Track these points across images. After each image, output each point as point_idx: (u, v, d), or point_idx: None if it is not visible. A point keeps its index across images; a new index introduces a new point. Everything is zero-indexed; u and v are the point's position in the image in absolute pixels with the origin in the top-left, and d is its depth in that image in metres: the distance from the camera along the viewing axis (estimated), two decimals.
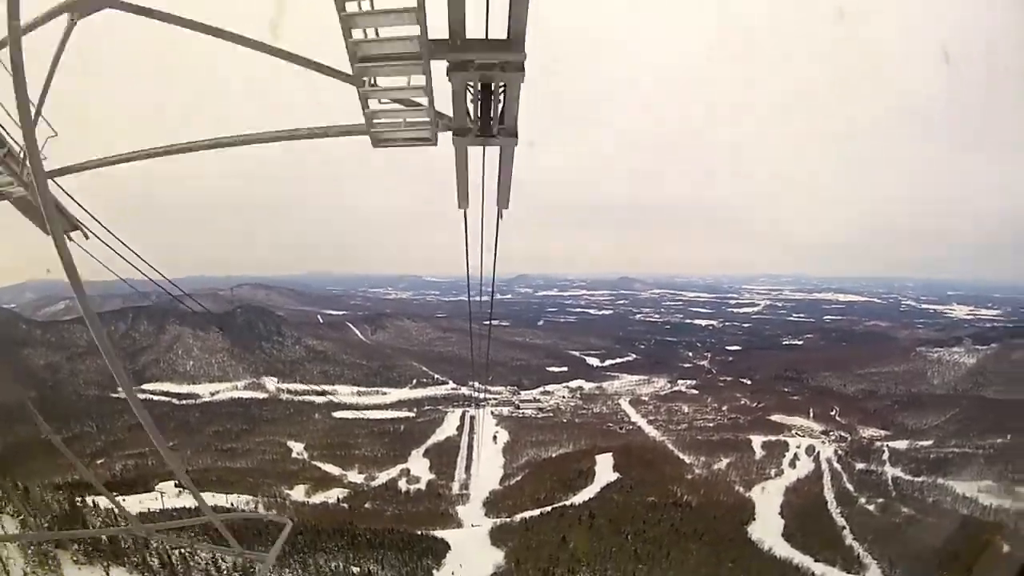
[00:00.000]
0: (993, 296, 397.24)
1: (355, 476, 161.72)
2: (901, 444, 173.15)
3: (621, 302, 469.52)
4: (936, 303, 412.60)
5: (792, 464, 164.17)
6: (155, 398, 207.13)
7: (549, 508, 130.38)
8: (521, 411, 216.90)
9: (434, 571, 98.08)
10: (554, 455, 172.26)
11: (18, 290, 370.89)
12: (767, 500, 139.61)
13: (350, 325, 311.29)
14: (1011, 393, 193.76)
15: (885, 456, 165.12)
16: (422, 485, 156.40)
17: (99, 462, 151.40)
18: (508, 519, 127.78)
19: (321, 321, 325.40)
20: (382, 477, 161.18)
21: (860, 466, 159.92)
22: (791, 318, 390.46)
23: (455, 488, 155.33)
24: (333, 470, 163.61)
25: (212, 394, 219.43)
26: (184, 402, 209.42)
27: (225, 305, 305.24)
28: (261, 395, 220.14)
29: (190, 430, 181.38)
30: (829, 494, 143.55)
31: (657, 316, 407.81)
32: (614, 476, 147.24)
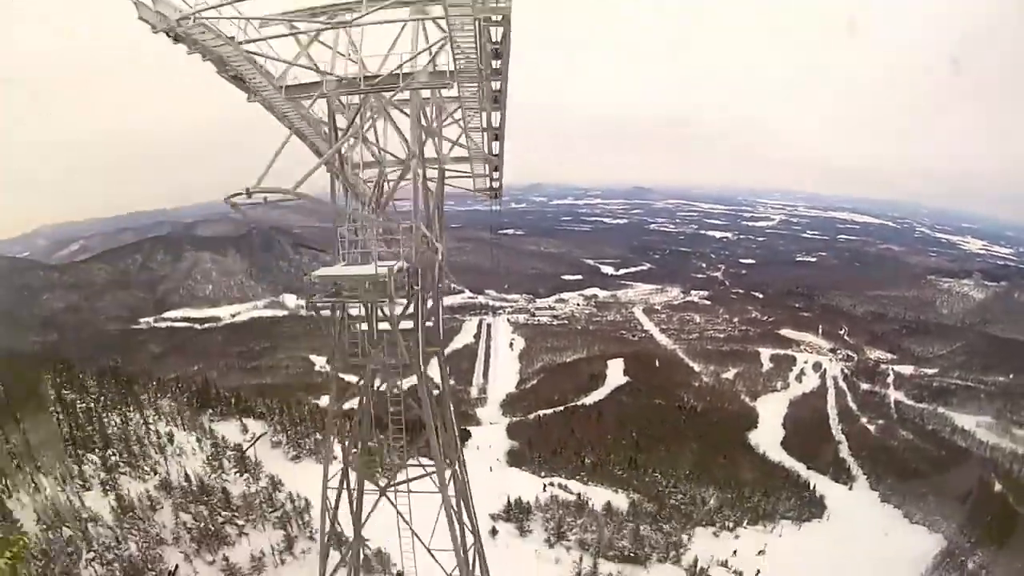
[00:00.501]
0: (1006, 234, 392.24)
1: (377, 383, 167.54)
2: (906, 369, 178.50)
3: (636, 211, 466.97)
4: (950, 233, 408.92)
5: (799, 379, 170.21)
6: (177, 325, 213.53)
7: (561, 407, 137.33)
8: (536, 318, 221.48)
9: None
10: (568, 360, 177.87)
11: (30, 239, 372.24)
12: (771, 410, 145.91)
13: None
14: (1017, 332, 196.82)
15: (890, 379, 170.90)
16: None
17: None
18: (523, 417, 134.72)
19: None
20: (403, 384, 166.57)
21: (864, 386, 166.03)
22: (805, 235, 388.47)
23: (473, 392, 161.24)
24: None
25: (233, 316, 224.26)
26: (206, 326, 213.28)
27: (240, 227, 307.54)
28: (281, 313, 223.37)
29: (214, 353, 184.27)
30: (832, 411, 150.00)
31: (672, 226, 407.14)
32: (624, 380, 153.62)
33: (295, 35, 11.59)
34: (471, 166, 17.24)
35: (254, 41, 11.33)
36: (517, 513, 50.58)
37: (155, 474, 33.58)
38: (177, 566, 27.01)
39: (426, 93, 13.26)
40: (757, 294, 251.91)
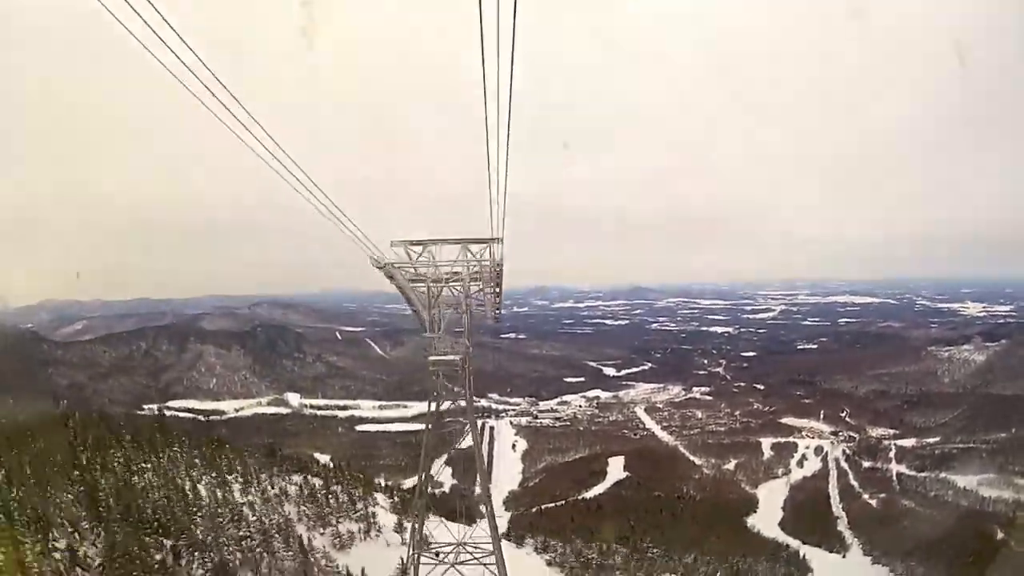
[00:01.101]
0: (1006, 292, 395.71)
1: (382, 482, 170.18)
2: (908, 442, 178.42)
3: (637, 311, 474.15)
4: (950, 301, 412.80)
5: (800, 464, 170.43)
6: (181, 415, 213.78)
7: (563, 501, 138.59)
8: (539, 420, 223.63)
9: None
10: (570, 460, 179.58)
11: (34, 311, 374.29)
12: (771, 496, 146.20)
13: (369, 341, 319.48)
14: (1018, 388, 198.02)
15: (891, 454, 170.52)
16: (447, 489, 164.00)
17: None
18: (526, 510, 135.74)
19: (339, 337, 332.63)
20: (408, 483, 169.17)
21: (866, 464, 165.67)
22: (806, 322, 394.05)
23: (477, 490, 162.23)
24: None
25: (237, 410, 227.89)
26: (211, 418, 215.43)
27: (244, 324, 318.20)
28: (285, 410, 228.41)
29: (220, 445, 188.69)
30: (833, 490, 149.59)
31: (673, 325, 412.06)
32: (624, 475, 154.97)
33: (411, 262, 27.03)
34: (487, 308, 32.45)
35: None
36: None
37: None
38: None
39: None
40: (759, 385, 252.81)
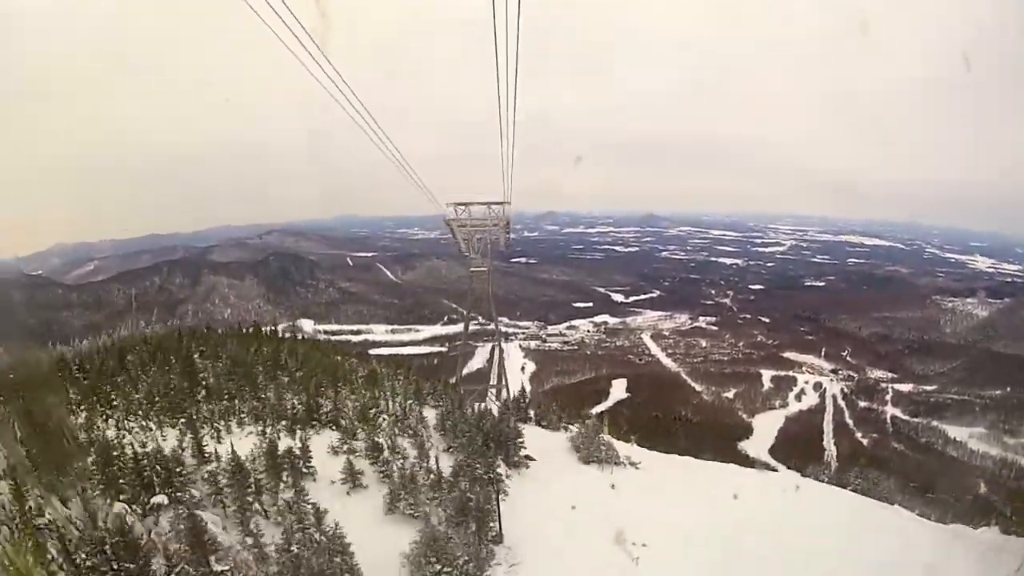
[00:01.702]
0: (1016, 251, 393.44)
1: None
2: (905, 387, 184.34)
3: (647, 239, 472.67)
4: (959, 252, 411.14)
5: (798, 397, 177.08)
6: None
7: None
8: (547, 344, 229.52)
9: None
10: (575, 381, 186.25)
11: (44, 256, 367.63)
12: (766, 425, 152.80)
13: (380, 266, 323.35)
14: (1019, 348, 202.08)
15: (888, 397, 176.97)
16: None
17: None
18: None
19: (351, 263, 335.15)
20: None
21: (863, 404, 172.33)
22: (815, 259, 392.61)
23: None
24: None
25: None
26: None
27: (255, 254, 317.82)
28: (298, 336, 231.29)
29: None
30: (827, 426, 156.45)
31: (683, 254, 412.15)
32: (626, 395, 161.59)
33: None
34: (501, 241, 50.17)
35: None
36: None
37: None
38: None
39: None
40: (764, 319, 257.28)
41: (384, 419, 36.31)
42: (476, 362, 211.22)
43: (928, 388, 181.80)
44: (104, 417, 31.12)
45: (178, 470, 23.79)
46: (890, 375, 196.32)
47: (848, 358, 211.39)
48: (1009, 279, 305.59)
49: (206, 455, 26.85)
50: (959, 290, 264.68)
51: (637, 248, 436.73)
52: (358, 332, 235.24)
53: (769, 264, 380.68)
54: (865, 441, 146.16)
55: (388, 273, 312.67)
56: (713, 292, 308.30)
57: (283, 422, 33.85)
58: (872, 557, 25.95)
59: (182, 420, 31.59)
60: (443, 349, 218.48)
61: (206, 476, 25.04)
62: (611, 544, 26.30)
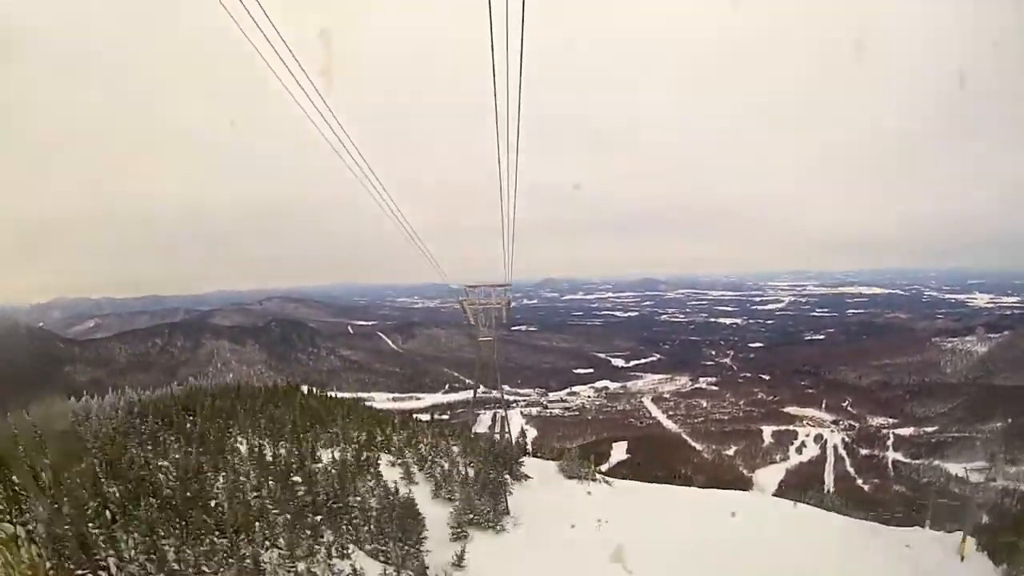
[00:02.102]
0: (1014, 283, 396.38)
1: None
2: (906, 431, 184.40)
3: (646, 303, 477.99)
4: (958, 292, 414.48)
5: (799, 450, 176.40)
6: None
7: None
8: (548, 411, 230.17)
9: None
10: (577, 445, 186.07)
11: (44, 309, 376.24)
12: (767, 478, 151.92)
13: (381, 334, 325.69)
14: (1018, 379, 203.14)
15: (889, 442, 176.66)
16: None
17: None
18: None
19: (351, 332, 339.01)
20: None
21: (864, 451, 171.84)
22: (814, 313, 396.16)
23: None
24: None
25: None
26: None
27: (256, 319, 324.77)
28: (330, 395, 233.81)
29: None
30: (828, 475, 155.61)
31: (682, 316, 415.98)
32: (626, 456, 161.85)
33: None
34: (503, 315, 55.06)
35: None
36: None
37: None
38: None
39: None
40: (764, 376, 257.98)
41: (423, 445, 48.75)
42: (480, 428, 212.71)
43: (929, 430, 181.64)
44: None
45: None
46: (891, 421, 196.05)
47: (849, 408, 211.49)
48: (1008, 312, 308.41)
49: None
50: (958, 329, 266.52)
51: (636, 312, 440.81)
52: (360, 400, 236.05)
53: (769, 321, 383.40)
54: (866, 487, 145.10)
55: (389, 341, 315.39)
56: (713, 352, 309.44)
57: (353, 446, 44.27)
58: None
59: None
60: (445, 417, 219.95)
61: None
62: (581, 523, 40.03)
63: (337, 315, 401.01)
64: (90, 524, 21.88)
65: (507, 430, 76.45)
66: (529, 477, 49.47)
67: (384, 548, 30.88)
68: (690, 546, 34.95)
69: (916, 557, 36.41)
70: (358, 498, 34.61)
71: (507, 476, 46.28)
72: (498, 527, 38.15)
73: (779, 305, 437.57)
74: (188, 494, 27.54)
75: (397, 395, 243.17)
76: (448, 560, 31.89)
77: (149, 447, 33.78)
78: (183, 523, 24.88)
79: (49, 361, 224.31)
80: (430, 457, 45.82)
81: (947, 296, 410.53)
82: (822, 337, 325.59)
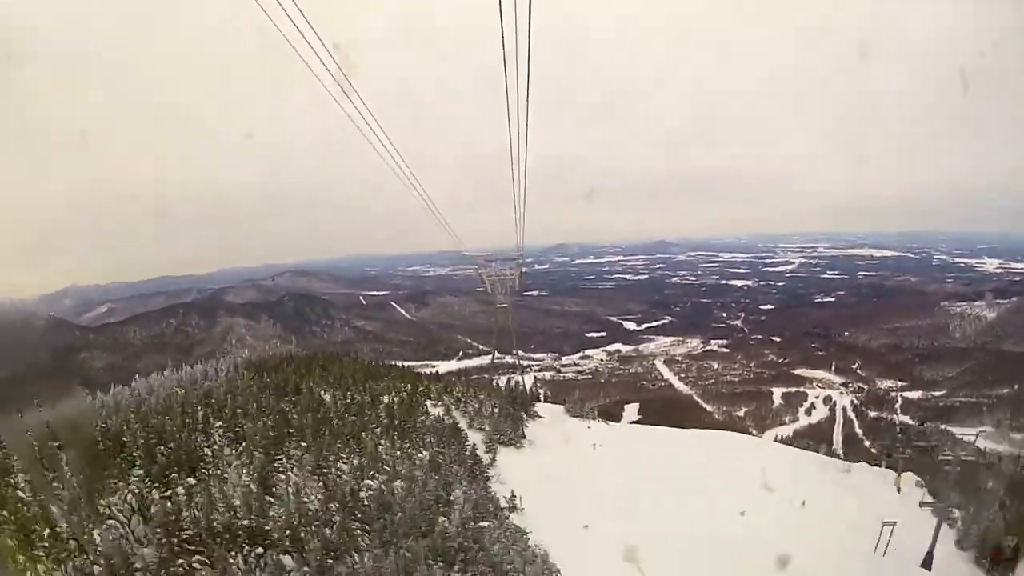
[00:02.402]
0: None
1: None
2: (915, 394, 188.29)
3: (658, 266, 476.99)
4: (968, 256, 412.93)
5: (808, 412, 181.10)
6: None
7: None
8: (562, 374, 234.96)
9: None
10: (590, 407, 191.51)
11: (56, 298, 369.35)
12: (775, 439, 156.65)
13: (394, 304, 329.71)
14: None
15: (898, 405, 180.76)
16: None
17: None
18: None
19: (364, 302, 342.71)
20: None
21: (872, 414, 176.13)
22: (825, 275, 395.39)
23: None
24: None
25: None
26: None
27: (269, 295, 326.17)
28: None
29: None
30: (836, 436, 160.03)
31: (693, 278, 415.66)
32: (637, 417, 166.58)
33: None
34: (516, 283, 51.57)
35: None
36: None
37: None
38: None
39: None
40: (775, 338, 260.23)
41: (456, 391, 63.38)
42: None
43: (937, 393, 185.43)
44: None
45: None
46: (900, 384, 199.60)
47: (858, 370, 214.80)
48: (1017, 278, 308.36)
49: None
50: (967, 294, 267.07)
51: (648, 276, 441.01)
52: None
53: (780, 283, 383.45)
54: (873, 449, 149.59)
55: (402, 311, 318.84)
56: (724, 315, 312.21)
57: (403, 393, 57.11)
58: None
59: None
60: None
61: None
62: (579, 447, 56.40)
63: (349, 287, 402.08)
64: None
65: (522, 383, 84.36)
66: (541, 416, 65.07)
67: (442, 451, 44.83)
68: (661, 461, 54.31)
69: (859, 486, 47.72)
70: (417, 424, 48.67)
71: (523, 414, 61.56)
72: (518, 445, 54.75)
73: (790, 267, 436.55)
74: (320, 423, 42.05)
75: (412, 363, 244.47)
76: (485, 462, 47.26)
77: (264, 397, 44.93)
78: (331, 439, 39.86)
79: (65, 350, 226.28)
80: (463, 400, 60.53)
81: (957, 260, 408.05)
82: (832, 299, 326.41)
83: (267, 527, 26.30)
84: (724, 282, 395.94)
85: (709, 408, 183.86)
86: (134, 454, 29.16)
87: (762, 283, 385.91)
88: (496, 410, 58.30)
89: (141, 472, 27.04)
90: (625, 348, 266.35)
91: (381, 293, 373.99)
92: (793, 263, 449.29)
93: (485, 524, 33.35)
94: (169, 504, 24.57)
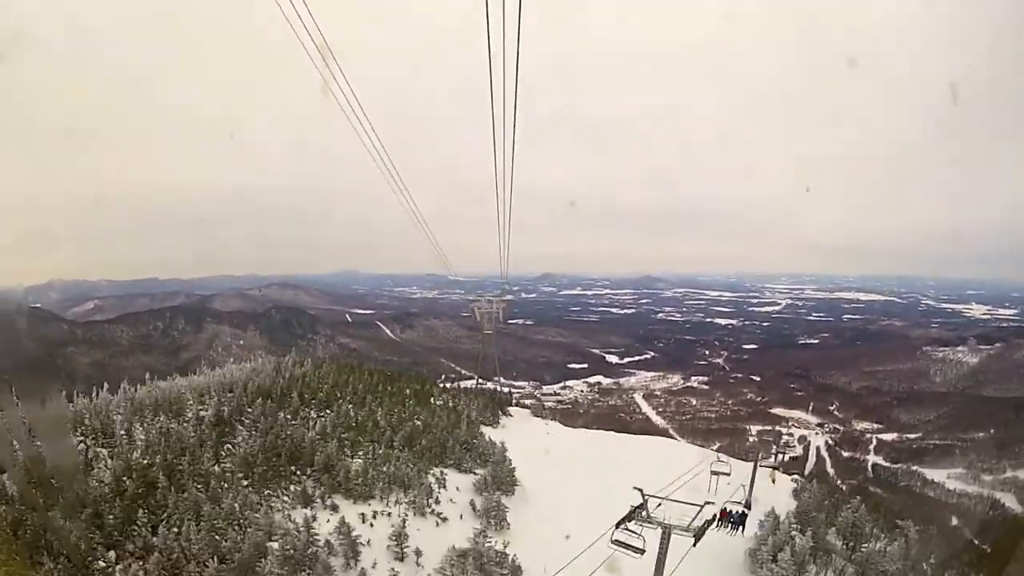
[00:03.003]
0: (1012, 296, 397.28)
1: None
2: (890, 436, 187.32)
3: (644, 301, 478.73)
4: (955, 302, 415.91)
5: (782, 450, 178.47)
6: None
7: None
8: (542, 403, 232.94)
9: None
10: None
11: (41, 290, 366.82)
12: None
13: (379, 324, 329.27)
14: (1007, 391, 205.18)
15: (871, 446, 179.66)
16: None
17: None
18: None
19: (350, 320, 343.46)
20: None
21: (846, 454, 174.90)
22: (810, 317, 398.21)
23: None
24: None
25: None
26: None
27: (256, 305, 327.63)
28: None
29: None
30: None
31: (679, 315, 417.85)
32: None
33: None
34: (502, 314, 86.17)
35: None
36: None
37: None
38: None
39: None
40: (755, 377, 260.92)
41: (448, 395, 75.91)
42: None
43: (912, 436, 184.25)
44: None
45: None
46: (876, 426, 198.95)
47: (835, 412, 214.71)
48: (1005, 324, 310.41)
49: None
50: (950, 339, 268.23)
51: (633, 310, 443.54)
52: None
53: (764, 324, 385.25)
54: (844, 487, 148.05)
55: (387, 331, 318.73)
56: (707, 352, 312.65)
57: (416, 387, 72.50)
58: None
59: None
60: None
61: None
62: (536, 431, 74.15)
63: (335, 303, 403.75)
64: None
65: (500, 390, 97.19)
66: (512, 416, 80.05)
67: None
68: (588, 441, 76.00)
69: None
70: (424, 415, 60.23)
71: (499, 410, 77.83)
72: (496, 425, 71.13)
73: (776, 308, 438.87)
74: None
75: None
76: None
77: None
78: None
79: (51, 343, 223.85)
80: (458, 397, 75.34)
81: (944, 305, 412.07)
82: (816, 341, 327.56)
83: None
84: (709, 320, 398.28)
85: (683, 442, 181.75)
86: None
87: (747, 323, 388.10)
88: (481, 403, 76.14)
89: None
90: (606, 381, 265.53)
91: (367, 312, 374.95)
92: (779, 304, 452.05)
93: (475, 441, 56.51)
94: None
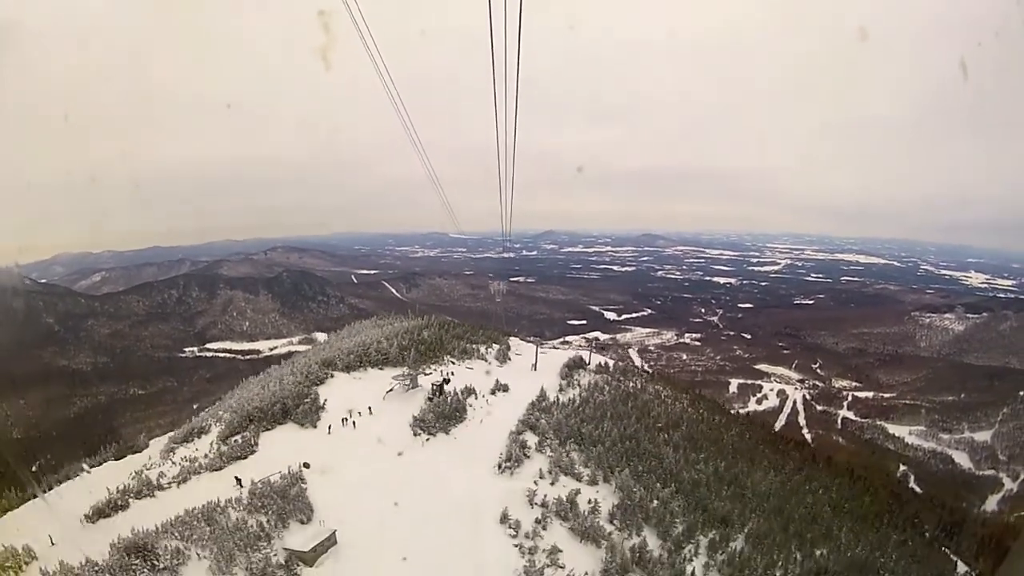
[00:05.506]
0: (1012, 266, 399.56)
1: None
2: (866, 394, 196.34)
3: (644, 259, 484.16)
4: (954, 269, 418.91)
5: (759, 402, 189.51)
6: (220, 355, 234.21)
7: None
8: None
9: None
10: None
11: (46, 265, 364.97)
12: None
13: (385, 283, 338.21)
14: (987, 360, 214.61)
15: (846, 402, 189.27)
16: None
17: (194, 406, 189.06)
18: None
19: (356, 281, 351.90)
20: None
21: (820, 408, 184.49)
22: (808, 278, 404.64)
23: None
24: None
25: (271, 349, 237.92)
26: (248, 357, 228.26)
27: (263, 269, 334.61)
28: None
29: None
30: (778, 424, 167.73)
31: (678, 273, 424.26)
32: None
33: None
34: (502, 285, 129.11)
35: None
36: None
37: None
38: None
39: None
40: (746, 335, 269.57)
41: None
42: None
43: (886, 395, 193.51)
44: None
45: None
46: (854, 384, 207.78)
47: (818, 370, 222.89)
48: (1000, 295, 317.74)
49: None
50: (940, 306, 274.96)
51: (634, 267, 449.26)
52: None
53: (763, 283, 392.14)
54: (810, 436, 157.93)
55: (393, 291, 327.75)
56: (703, 310, 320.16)
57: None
58: None
59: None
60: None
61: None
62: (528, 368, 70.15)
63: (340, 264, 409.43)
64: None
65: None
66: (520, 354, 78.51)
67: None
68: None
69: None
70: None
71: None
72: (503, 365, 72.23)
73: (775, 267, 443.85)
74: None
75: None
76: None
77: None
78: None
79: (71, 316, 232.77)
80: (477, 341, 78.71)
81: (943, 272, 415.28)
82: (811, 302, 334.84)
83: None
84: (708, 278, 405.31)
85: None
86: None
87: (745, 282, 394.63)
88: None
89: None
90: (603, 336, 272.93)
91: (372, 272, 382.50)
92: (779, 264, 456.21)
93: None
94: None
